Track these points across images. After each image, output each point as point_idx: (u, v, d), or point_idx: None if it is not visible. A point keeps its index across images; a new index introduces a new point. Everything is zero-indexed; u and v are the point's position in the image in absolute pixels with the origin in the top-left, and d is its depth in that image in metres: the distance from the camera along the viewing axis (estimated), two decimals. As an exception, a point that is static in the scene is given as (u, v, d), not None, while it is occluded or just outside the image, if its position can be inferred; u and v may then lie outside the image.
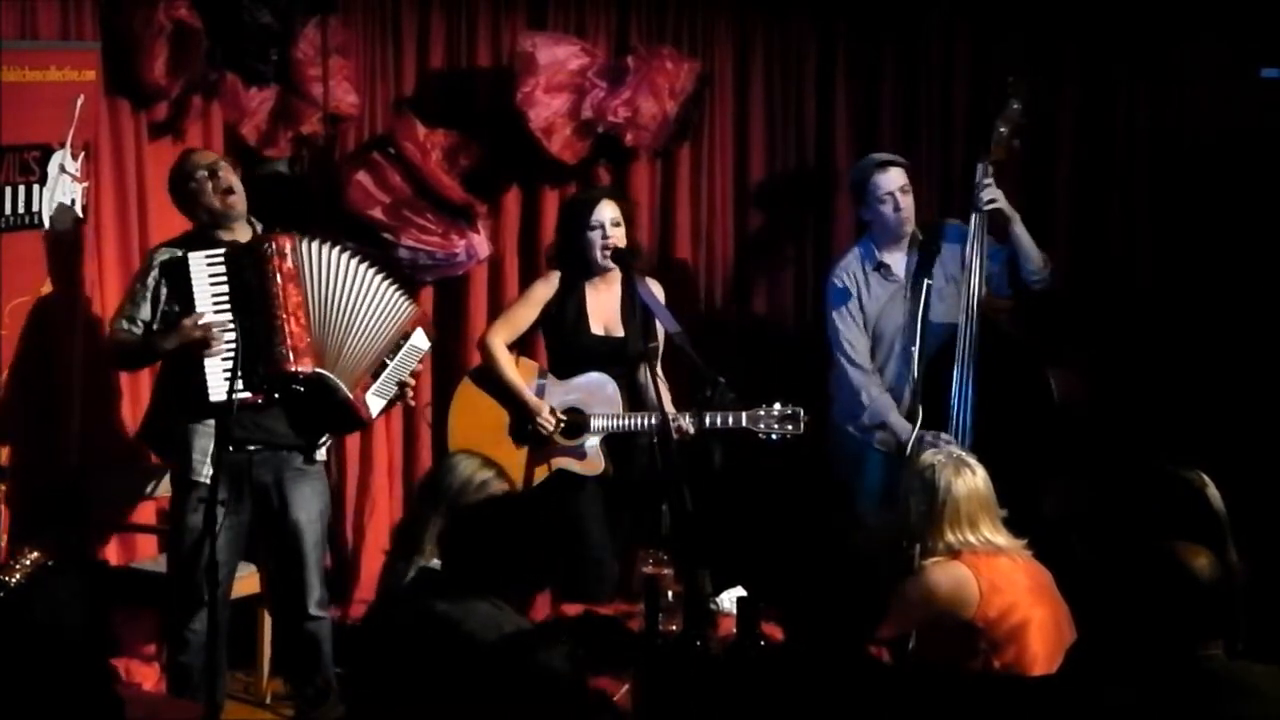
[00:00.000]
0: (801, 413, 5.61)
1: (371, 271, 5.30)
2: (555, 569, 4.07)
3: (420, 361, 5.44)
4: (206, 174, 5.22)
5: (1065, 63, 6.95)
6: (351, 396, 5.25)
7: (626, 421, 5.60)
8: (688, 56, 6.63)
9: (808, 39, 6.96)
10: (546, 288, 5.70)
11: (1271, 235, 6.65)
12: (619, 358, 5.65)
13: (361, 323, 5.25)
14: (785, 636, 3.63)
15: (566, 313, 5.67)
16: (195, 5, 5.72)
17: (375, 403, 5.33)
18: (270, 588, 5.59)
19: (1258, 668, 3.40)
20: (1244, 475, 4.66)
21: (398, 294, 5.35)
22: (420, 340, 5.39)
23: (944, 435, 5.70)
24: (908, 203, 5.98)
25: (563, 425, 5.62)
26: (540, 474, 5.64)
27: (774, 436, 5.59)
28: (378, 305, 5.29)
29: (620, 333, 5.69)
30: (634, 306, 5.63)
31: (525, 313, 5.70)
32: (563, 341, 5.70)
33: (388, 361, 5.31)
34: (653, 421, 5.51)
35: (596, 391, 5.64)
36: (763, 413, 5.57)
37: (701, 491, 5.64)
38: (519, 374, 5.68)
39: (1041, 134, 6.81)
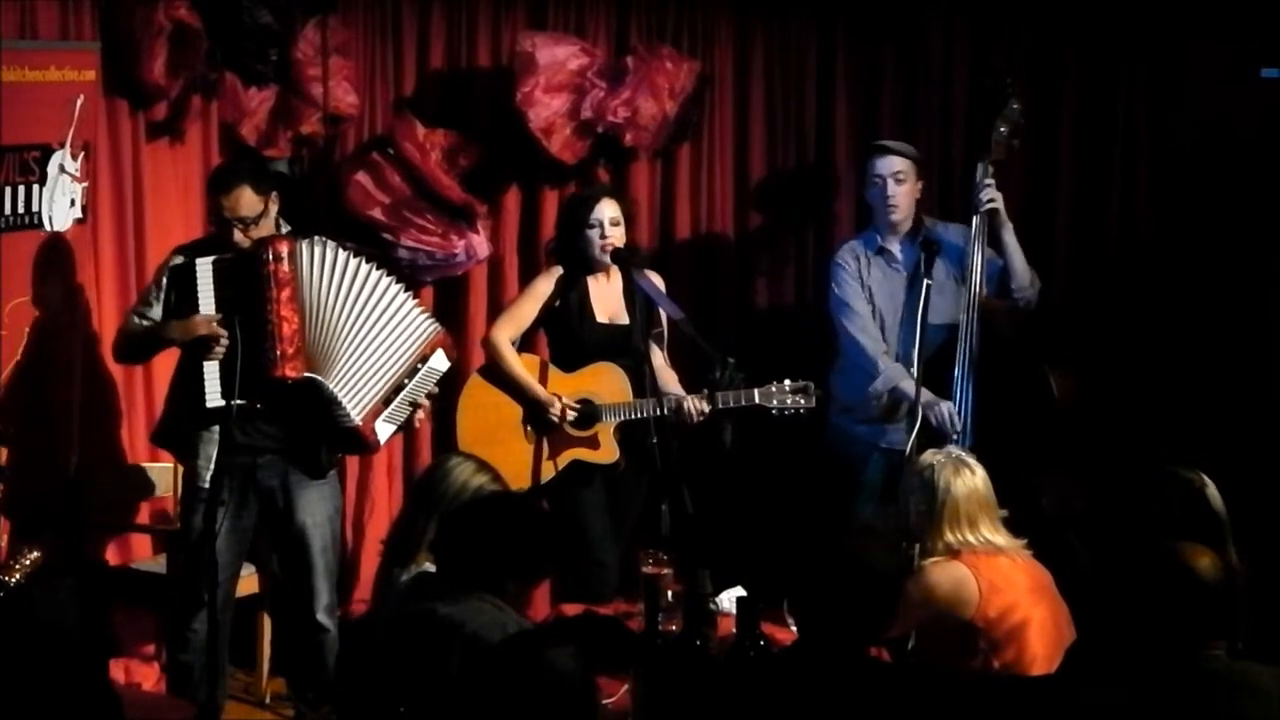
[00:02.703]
0: (812, 385, 5.66)
1: (392, 286, 5.23)
2: (552, 564, 4.06)
3: (436, 384, 5.37)
4: (219, 206, 5.20)
5: (1065, 63, 6.95)
6: (360, 424, 5.18)
7: (638, 409, 5.59)
8: (688, 56, 6.63)
9: (808, 39, 6.96)
10: (548, 283, 5.70)
11: (1271, 236, 6.66)
12: (625, 346, 5.64)
13: (372, 335, 5.17)
14: (798, 637, 3.62)
15: (570, 305, 5.67)
16: (195, 5, 5.72)
17: (385, 429, 5.26)
18: (276, 590, 5.59)
19: (1259, 668, 3.40)
20: (1244, 475, 4.67)
21: (420, 313, 5.29)
22: (439, 362, 5.31)
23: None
24: (897, 191, 5.99)
25: (574, 415, 5.62)
26: (553, 468, 5.63)
27: (788, 411, 5.63)
28: (395, 323, 5.22)
29: (624, 321, 5.69)
30: (635, 297, 5.63)
31: (528, 308, 5.71)
32: (568, 333, 5.69)
33: (405, 384, 5.25)
34: (668, 407, 5.52)
35: (606, 381, 5.63)
36: (774, 389, 5.62)
37: (713, 471, 5.72)
38: (525, 368, 5.68)
39: (1041, 134, 6.82)
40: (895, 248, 6.05)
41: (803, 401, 5.65)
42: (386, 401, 5.23)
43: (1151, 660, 3.38)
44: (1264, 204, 6.68)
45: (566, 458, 5.64)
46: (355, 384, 5.17)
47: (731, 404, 5.54)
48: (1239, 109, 6.78)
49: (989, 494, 4.52)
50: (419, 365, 5.26)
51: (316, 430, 5.21)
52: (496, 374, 5.68)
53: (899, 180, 6.00)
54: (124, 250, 5.85)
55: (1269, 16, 6.57)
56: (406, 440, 6.47)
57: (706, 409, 5.51)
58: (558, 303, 5.69)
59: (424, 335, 5.27)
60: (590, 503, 5.65)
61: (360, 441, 5.27)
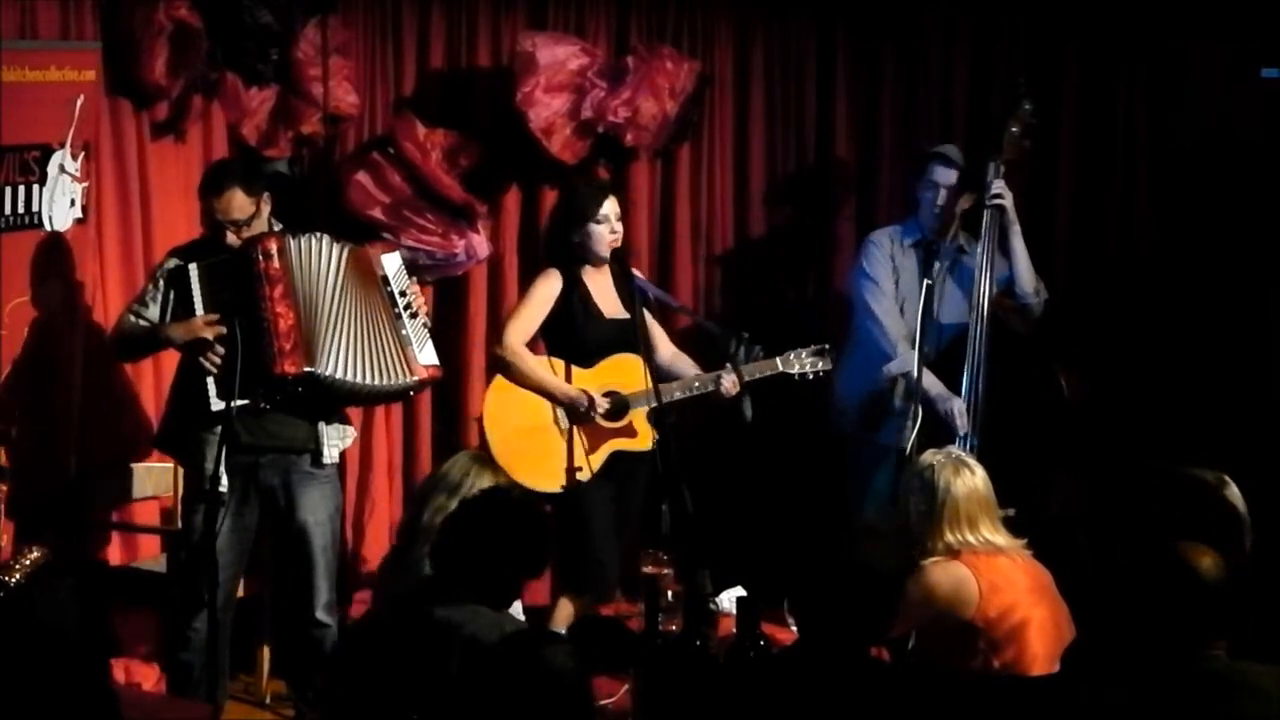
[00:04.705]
0: (827, 347, 5.73)
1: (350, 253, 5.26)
2: (545, 563, 4.05)
3: (412, 278, 5.37)
4: (211, 209, 5.22)
5: (1065, 63, 6.95)
6: (415, 379, 5.27)
7: (667, 394, 5.58)
8: (688, 56, 6.64)
9: (808, 39, 6.97)
10: (550, 286, 5.65)
11: (1271, 235, 6.66)
12: (630, 340, 5.63)
13: (357, 309, 5.21)
14: (798, 638, 3.62)
15: (573, 305, 5.64)
16: (195, 5, 5.72)
17: (428, 355, 5.30)
18: (277, 589, 5.59)
19: (1259, 668, 3.40)
20: (1244, 474, 4.67)
21: (344, 253, 5.24)
22: (390, 263, 5.30)
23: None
24: (947, 203, 6.01)
25: (606, 408, 5.61)
26: (596, 461, 5.60)
27: (808, 376, 5.70)
28: (359, 282, 5.24)
29: (624, 315, 5.68)
30: (632, 291, 5.63)
31: (537, 313, 5.63)
32: (575, 332, 5.64)
33: (399, 315, 5.26)
34: (707, 386, 5.59)
35: (627, 371, 5.64)
36: (793, 356, 5.69)
37: (735, 444, 5.95)
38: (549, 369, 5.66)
39: (1042, 134, 6.81)
40: (939, 257, 6.02)
41: (821, 364, 5.72)
42: (404, 344, 5.24)
43: (1152, 660, 3.38)
44: (1264, 204, 6.68)
45: (606, 450, 5.62)
46: (367, 358, 5.19)
47: (757, 375, 5.62)
48: (1239, 109, 6.78)
49: (989, 494, 4.52)
50: (387, 289, 5.26)
51: (325, 410, 5.23)
52: (520, 379, 5.63)
53: (952, 192, 6.01)
54: (130, 249, 5.85)
55: (1269, 16, 6.57)
56: (407, 440, 6.48)
57: (737, 387, 5.60)
58: (560, 304, 5.66)
59: (346, 266, 5.22)
60: (596, 498, 5.62)
61: (424, 384, 5.40)
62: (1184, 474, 4.21)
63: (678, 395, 5.60)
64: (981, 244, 5.91)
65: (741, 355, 5.56)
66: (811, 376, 5.71)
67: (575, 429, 5.59)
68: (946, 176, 6.02)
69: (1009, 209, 5.95)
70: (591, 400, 5.56)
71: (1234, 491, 4.16)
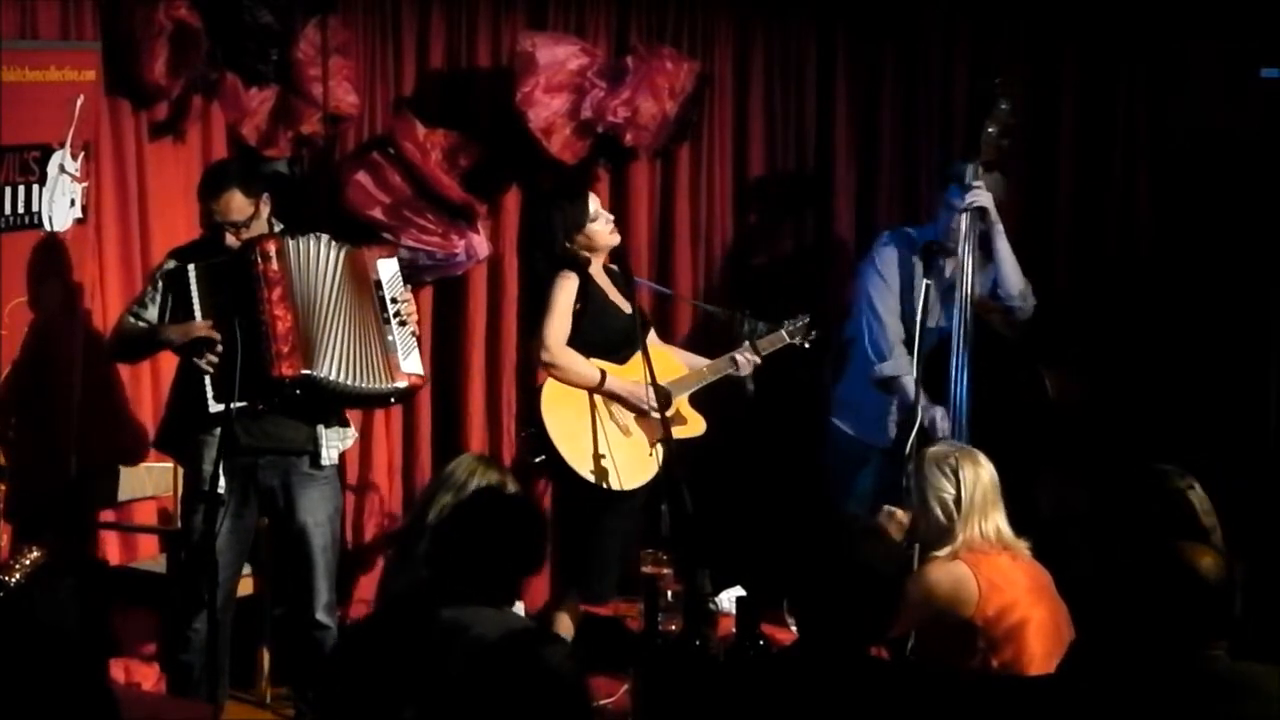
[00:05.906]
0: (807, 318, 5.90)
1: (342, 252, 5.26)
2: (541, 559, 4.04)
3: (407, 285, 5.38)
4: (210, 210, 5.22)
5: (1065, 63, 6.96)
6: (398, 388, 5.26)
7: (700, 378, 5.71)
8: (688, 56, 6.64)
9: (808, 39, 6.97)
10: (571, 287, 5.57)
11: (1271, 236, 6.66)
12: (637, 332, 5.61)
13: (349, 310, 5.21)
14: (798, 638, 3.62)
15: (592, 303, 5.61)
16: (195, 5, 5.73)
17: (412, 363, 5.29)
18: (278, 590, 5.60)
19: (1259, 668, 3.40)
20: (1243, 475, 4.68)
21: (342, 253, 5.24)
22: (386, 270, 5.30)
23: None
24: (963, 226, 6.00)
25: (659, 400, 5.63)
26: (657, 454, 5.57)
27: (808, 343, 5.86)
28: (352, 285, 5.24)
29: (629, 309, 5.67)
30: (632, 288, 5.65)
31: (567, 314, 5.56)
32: (599, 330, 5.62)
33: (387, 317, 5.25)
34: (722, 369, 5.72)
35: (658, 363, 5.62)
36: (792, 326, 5.85)
37: (738, 423, 6.04)
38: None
39: (1042, 134, 6.82)
40: (941, 259, 6.01)
41: (813, 333, 5.87)
42: (390, 350, 5.23)
43: (1152, 660, 3.38)
44: (1264, 204, 6.68)
45: (660, 442, 5.62)
46: (355, 360, 5.19)
47: (770, 349, 5.76)
48: (1239, 109, 6.78)
49: (998, 484, 4.53)
50: (379, 293, 5.26)
51: (324, 411, 5.23)
52: (573, 380, 5.54)
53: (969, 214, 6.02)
54: (129, 250, 5.86)
55: (1269, 16, 6.58)
56: (407, 441, 6.48)
57: (758, 359, 5.73)
58: (580, 305, 5.63)
59: (342, 267, 5.22)
60: (598, 505, 5.59)
61: (406, 393, 5.40)
62: (1154, 473, 4.22)
63: (710, 380, 5.70)
64: (962, 246, 5.88)
65: (751, 330, 5.72)
66: (811, 344, 5.86)
67: (636, 422, 5.59)
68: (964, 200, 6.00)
69: (990, 210, 5.92)
70: (652, 396, 5.55)
71: (1199, 493, 4.17)
